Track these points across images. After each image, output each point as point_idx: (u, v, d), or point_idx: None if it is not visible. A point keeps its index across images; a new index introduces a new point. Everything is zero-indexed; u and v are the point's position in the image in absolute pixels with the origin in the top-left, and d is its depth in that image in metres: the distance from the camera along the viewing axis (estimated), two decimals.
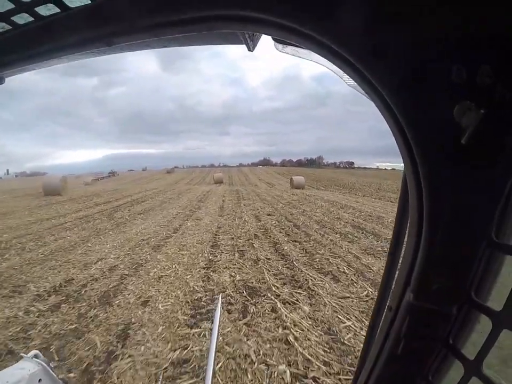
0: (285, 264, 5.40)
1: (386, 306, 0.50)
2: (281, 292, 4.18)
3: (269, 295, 4.08)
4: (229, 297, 4.03)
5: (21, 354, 1.03)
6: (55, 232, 8.32)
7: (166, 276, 4.85)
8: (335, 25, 0.36)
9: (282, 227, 8.63)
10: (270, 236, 7.54)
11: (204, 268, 5.19)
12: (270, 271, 5.04)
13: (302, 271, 5.04)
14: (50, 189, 18.54)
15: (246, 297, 4.05)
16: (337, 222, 9.42)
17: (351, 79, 0.41)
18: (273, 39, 0.51)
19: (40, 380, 0.94)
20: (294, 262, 5.46)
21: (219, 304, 1.49)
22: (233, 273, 4.91)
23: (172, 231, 8.28)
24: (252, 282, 4.53)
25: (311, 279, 4.66)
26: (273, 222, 9.41)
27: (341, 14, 0.35)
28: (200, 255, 5.92)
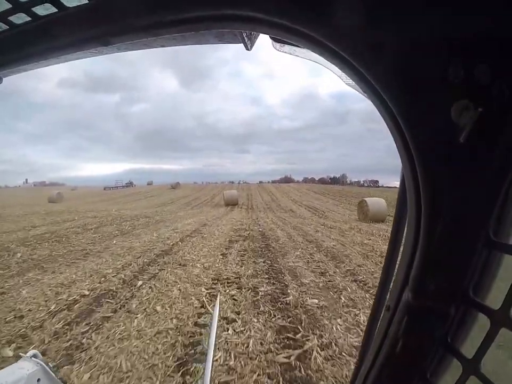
0: None
1: (384, 306, 0.49)
2: None
3: None
4: None
5: (20, 354, 1.00)
6: None
7: None
8: (332, 24, 0.35)
9: None
10: None
11: None
12: None
13: None
14: None
15: None
16: None
17: (349, 78, 0.40)
18: (271, 38, 0.49)
19: (38, 380, 0.92)
20: None
21: (217, 303, 1.50)
22: None
23: None
24: None
25: None
26: None
27: (337, 13, 0.34)
28: None
